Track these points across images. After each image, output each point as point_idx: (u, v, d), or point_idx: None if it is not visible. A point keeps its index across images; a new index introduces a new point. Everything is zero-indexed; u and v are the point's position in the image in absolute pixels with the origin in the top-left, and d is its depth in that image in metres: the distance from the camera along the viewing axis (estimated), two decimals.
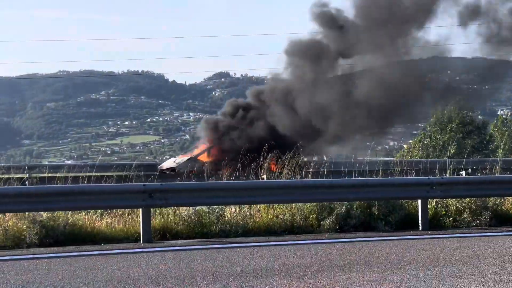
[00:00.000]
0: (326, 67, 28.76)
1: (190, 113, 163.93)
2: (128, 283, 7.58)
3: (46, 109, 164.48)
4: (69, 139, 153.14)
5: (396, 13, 27.68)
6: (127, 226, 11.48)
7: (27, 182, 14.47)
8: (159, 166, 26.83)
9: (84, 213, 11.66)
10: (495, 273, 7.88)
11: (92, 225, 11.36)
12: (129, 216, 11.79)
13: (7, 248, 10.45)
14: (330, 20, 28.96)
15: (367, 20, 28.06)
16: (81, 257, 9.51)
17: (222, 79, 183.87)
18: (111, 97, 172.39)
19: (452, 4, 28.92)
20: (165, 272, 8.21)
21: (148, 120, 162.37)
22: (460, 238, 11.03)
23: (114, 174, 15.39)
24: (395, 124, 33.10)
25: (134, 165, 16.97)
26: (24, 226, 10.73)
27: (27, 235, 10.64)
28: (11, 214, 10.98)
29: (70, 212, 11.38)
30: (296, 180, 13.40)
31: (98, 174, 14.71)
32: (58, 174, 14.23)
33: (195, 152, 28.23)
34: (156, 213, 11.76)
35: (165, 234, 11.37)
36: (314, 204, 12.18)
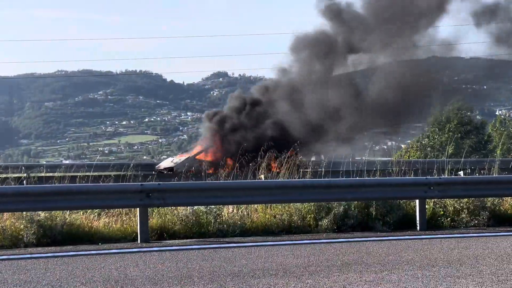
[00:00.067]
0: (335, 63, 28.30)
1: (188, 113, 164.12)
2: (126, 283, 7.57)
3: (44, 108, 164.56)
4: (67, 139, 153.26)
5: (407, 9, 27.37)
6: (124, 226, 11.47)
7: (24, 181, 14.45)
8: (156, 166, 26.80)
9: (81, 213, 11.65)
10: (493, 274, 7.88)
11: (90, 224, 11.35)
12: (127, 216, 11.78)
13: (4, 248, 10.44)
14: (339, 14, 28.51)
15: (377, 15, 27.72)
16: (78, 256, 9.50)
17: (220, 79, 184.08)
18: (109, 97, 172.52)
19: (469, 3, 28.66)
20: (163, 272, 8.21)
21: (146, 120, 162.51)
22: (458, 238, 11.03)
23: (112, 173, 15.40)
24: (407, 122, 32.76)
25: (131, 164, 16.97)
26: (22, 226, 10.72)
27: (25, 235, 10.63)
28: (9, 213, 10.97)
29: (67, 211, 11.37)
30: (293, 180, 13.39)
31: (96, 173, 14.72)
32: (56, 174, 14.22)
33: (193, 151, 28.16)
34: (154, 213, 11.75)
35: (163, 234, 11.36)
36: (312, 204, 12.17)
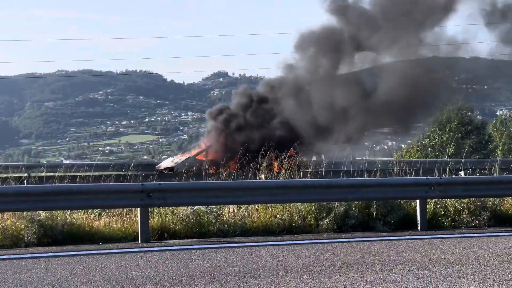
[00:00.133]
0: (341, 60, 28.03)
1: (188, 113, 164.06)
2: (126, 283, 7.57)
3: (45, 108, 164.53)
4: (67, 139, 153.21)
5: (415, 7, 27.19)
6: (125, 225, 11.47)
7: (25, 181, 14.46)
8: (157, 166, 26.80)
9: (82, 213, 11.65)
10: (494, 274, 7.87)
11: (90, 224, 11.35)
12: (127, 216, 11.78)
13: (5, 248, 10.44)
14: (346, 10, 28.20)
15: (384, 12, 27.51)
16: (79, 256, 9.50)
17: (221, 78, 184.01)
18: (110, 97, 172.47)
19: (482, 2, 28.47)
20: (163, 271, 8.20)
21: (146, 119, 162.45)
22: (459, 238, 11.02)
23: (112, 173, 15.39)
24: (416, 122, 32.56)
25: (132, 164, 16.96)
26: (22, 226, 10.72)
27: (25, 234, 10.62)
28: (10, 213, 10.96)
29: (68, 211, 11.37)
30: (294, 180, 13.38)
31: (96, 173, 14.70)
32: (56, 174, 14.22)
33: (194, 151, 28.13)
34: (154, 213, 11.74)
35: (163, 234, 11.36)
36: (313, 204, 12.16)
